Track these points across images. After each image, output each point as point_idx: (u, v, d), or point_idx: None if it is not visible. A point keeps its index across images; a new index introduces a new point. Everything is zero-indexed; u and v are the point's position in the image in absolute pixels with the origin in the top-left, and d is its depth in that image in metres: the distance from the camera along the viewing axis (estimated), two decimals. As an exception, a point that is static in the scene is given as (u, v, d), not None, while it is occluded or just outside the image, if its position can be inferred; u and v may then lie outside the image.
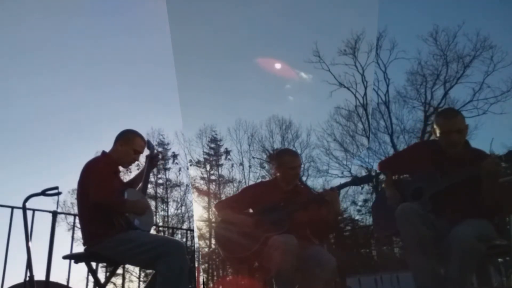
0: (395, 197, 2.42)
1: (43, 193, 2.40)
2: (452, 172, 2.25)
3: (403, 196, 2.38)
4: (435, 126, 2.37)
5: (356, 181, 2.80)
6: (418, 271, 2.13)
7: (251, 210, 2.77)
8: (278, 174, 2.76)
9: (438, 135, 2.34)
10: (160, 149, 22.56)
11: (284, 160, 2.71)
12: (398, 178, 2.53)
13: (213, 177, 22.69)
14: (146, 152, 2.81)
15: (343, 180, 19.22)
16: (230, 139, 22.21)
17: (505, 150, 2.20)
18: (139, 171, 2.88)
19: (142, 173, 2.74)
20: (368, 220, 18.09)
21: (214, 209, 3.45)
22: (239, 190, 3.33)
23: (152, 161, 2.75)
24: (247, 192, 2.95)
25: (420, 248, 2.11)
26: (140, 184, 2.72)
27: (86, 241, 2.44)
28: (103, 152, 2.62)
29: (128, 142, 2.60)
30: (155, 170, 21.54)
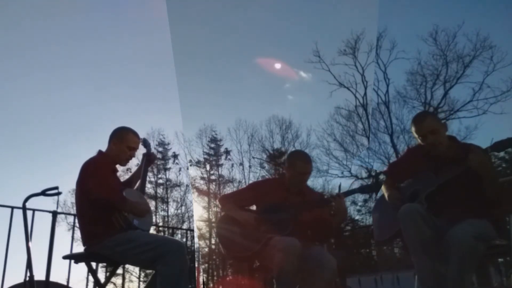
0: (395, 196, 2.43)
1: (43, 193, 2.40)
2: (444, 171, 2.28)
3: (402, 200, 2.39)
4: (413, 134, 2.44)
5: (365, 189, 2.80)
6: (422, 271, 2.13)
7: (255, 206, 2.76)
8: (286, 174, 2.74)
9: (418, 140, 2.40)
10: (160, 149, 22.61)
11: (296, 164, 2.66)
12: (396, 184, 2.55)
13: (213, 177, 22.72)
14: (143, 150, 2.80)
15: (343, 180, 19.21)
16: (230, 139, 22.24)
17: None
18: (135, 170, 2.88)
19: (139, 173, 2.73)
20: (368, 220, 18.10)
21: (218, 202, 3.42)
22: (246, 185, 3.28)
23: (149, 159, 2.74)
24: (253, 188, 2.91)
25: (423, 248, 2.11)
26: (137, 184, 2.72)
27: (85, 241, 2.44)
28: (100, 152, 2.61)
29: (122, 140, 2.58)
30: (155, 170, 21.60)
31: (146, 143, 2.84)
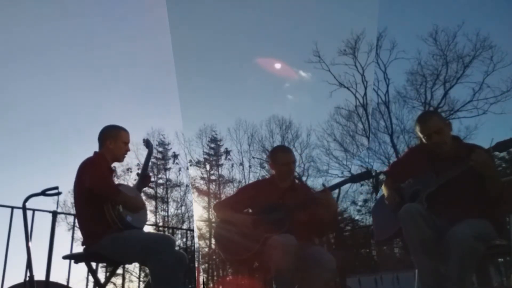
0: (394, 198, 2.43)
1: (43, 193, 2.41)
2: (444, 171, 2.28)
3: (402, 200, 2.39)
4: (417, 133, 2.44)
5: (355, 178, 2.81)
6: (423, 271, 2.13)
7: (250, 210, 2.76)
8: (273, 171, 2.77)
9: (422, 140, 2.40)
10: (160, 149, 22.61)
11: (277, 157, 2.72)
12: (397, 184, 2.54)
13: (213, 177, 22.70)
14: (145, 150, 2.84)
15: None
16: (230, 139, 22.21)
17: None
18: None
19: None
20: (368, 220, 18.09)
21: (213, 210, 3.44)
22: (237, 190, 3.32)
23: (144, 181, 2.75)
24: (245, 191, 2.93)
25: (424, 248, 2.11)
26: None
27: (84, 240, 2.45)
28: (96, 152, 2.62)
29: (117, 138, 2.61)
30: (155, 170, 21.54)
31: (149, 144, 2.90)
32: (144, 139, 2.94)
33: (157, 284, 2.27)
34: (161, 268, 2.26)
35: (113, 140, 2.60)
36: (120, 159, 2.66)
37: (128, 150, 2.68)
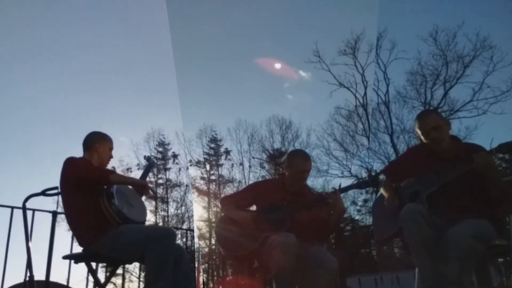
0: (393, 200, 2.43)
1: (43, 193, 2.41)
2: (445, 171, 2.27)
3: (402, 200, 2.39)
4: (416, 131, 2.44)
5: (361, 184, 2.83)
6: (423, 271, 2.13)
7: (255, 207, 2.76)
8: (286, 173, 2.75)
9: (421, 138, 2.40)
10: (160, 149, 22.63)
11: (295, 162, 2.67)
12: (396, 183, 2.54)
13: (213, 177, 22.70)
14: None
15: (343, 180, 19.22)
16: (230, 139, 22.23)
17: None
18: None
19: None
20: (368, 220, 18.11)
21: (219, 203, 3.45)
22: (246, 186, 3.30)
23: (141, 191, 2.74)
24: (253, 189, 2.93)
25: (425, 248, 2.11)
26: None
27: (81, 241, 2.42)
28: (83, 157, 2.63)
29: (105, 143, 2.65)
30: (155, 170, 21.55)
31: (150, 160, 2.97)
32: (145, 156, 3.04)
33: (151, 273, 2.24)
34: (158, 258, 2.24)
35: (101, 144, 2.63)
36: (105, 163, 2.68)
37: (111, 157, 2.70)
